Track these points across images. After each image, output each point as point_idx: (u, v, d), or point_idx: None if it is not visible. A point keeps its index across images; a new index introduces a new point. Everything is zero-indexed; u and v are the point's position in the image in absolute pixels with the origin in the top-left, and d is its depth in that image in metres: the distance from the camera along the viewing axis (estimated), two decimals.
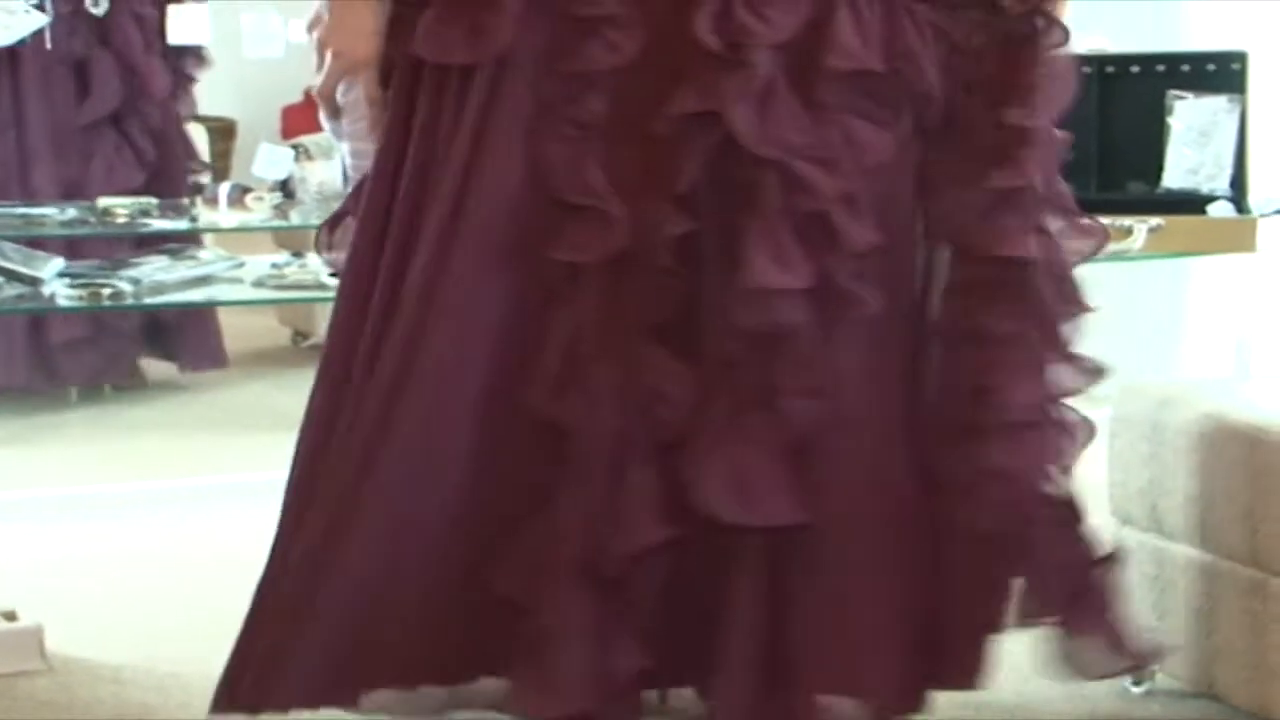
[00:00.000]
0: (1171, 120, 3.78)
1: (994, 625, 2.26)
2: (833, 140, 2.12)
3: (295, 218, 3.81)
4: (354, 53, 2.14)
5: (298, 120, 5.49)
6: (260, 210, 3.76)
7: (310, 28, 2.18)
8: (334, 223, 2.22)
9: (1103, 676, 2.39)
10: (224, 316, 4.82)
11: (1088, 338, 2.40)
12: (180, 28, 3.82)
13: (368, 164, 2.16)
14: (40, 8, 3.63)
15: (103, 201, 3.90)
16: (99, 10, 3.79)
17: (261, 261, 3.73)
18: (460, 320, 2.09)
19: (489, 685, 2.18)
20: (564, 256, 2.10)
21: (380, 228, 2.13)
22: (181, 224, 3.89)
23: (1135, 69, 3.82)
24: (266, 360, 5.21)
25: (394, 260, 2.11)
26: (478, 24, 2.07)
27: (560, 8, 2.09)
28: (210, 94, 4.87)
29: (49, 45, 3.95)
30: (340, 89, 2.16)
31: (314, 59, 2.20)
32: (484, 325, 2.10)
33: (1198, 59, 3.80)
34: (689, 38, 2.10)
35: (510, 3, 2.08)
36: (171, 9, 3.94)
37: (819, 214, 2.11)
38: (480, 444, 2.10)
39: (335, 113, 2.20)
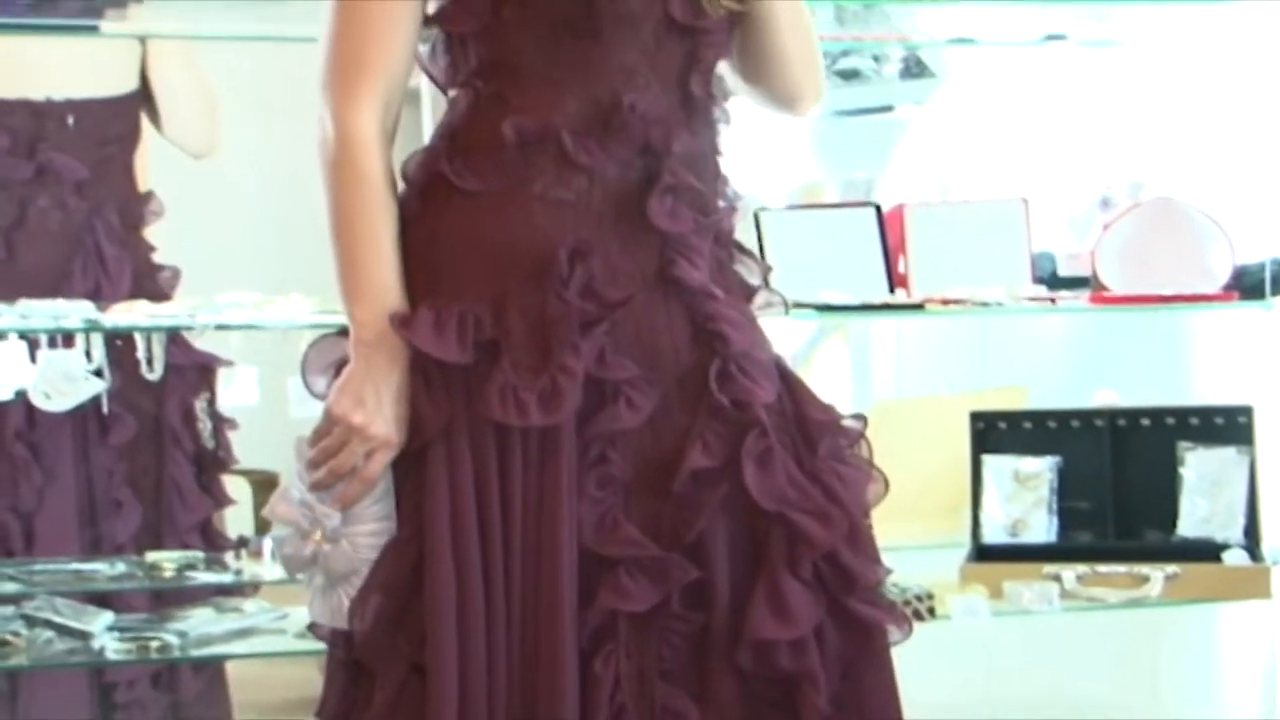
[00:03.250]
0: (1183, 471, 3.90)
1: None
2: (829, 489, 2.25)
3: None
4: (389, 436, 2.19)
5: None
6: None
7: (338, 406, 2.20)
8: (365, 598, 2.22)
9: None
10: (267, 667, 4.88)
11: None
12: (231, 391, 3.97)
13: (370, 539, 2.22)
14: (99, 374, 3.79)
15: (151, 556, 4.02)
16: (153, 375, 3.95)
17: (304, 613, 3.82)
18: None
19: None
20: (618, 606, 2.17)
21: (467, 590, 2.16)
22: (226, 577, 3.99)
23: (1146, 422, 3.96)
24: (309, 709, 5.26)
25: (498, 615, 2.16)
26: (555, 387, 2.17)
27: (588, 371, 2.20)
28: (253, 449, 5.01)
29: (105, 410, 4.10)
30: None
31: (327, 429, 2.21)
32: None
33: (1206, 413, 3.94)
34: (696, 396, 2.23)
35: (579, 366, 2.18)
36: (222, 372, 4.09)
37: (826, 556, 2.23)
38: None
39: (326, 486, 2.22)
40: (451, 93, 2.29)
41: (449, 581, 2.16)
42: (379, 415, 2.19)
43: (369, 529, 2.23)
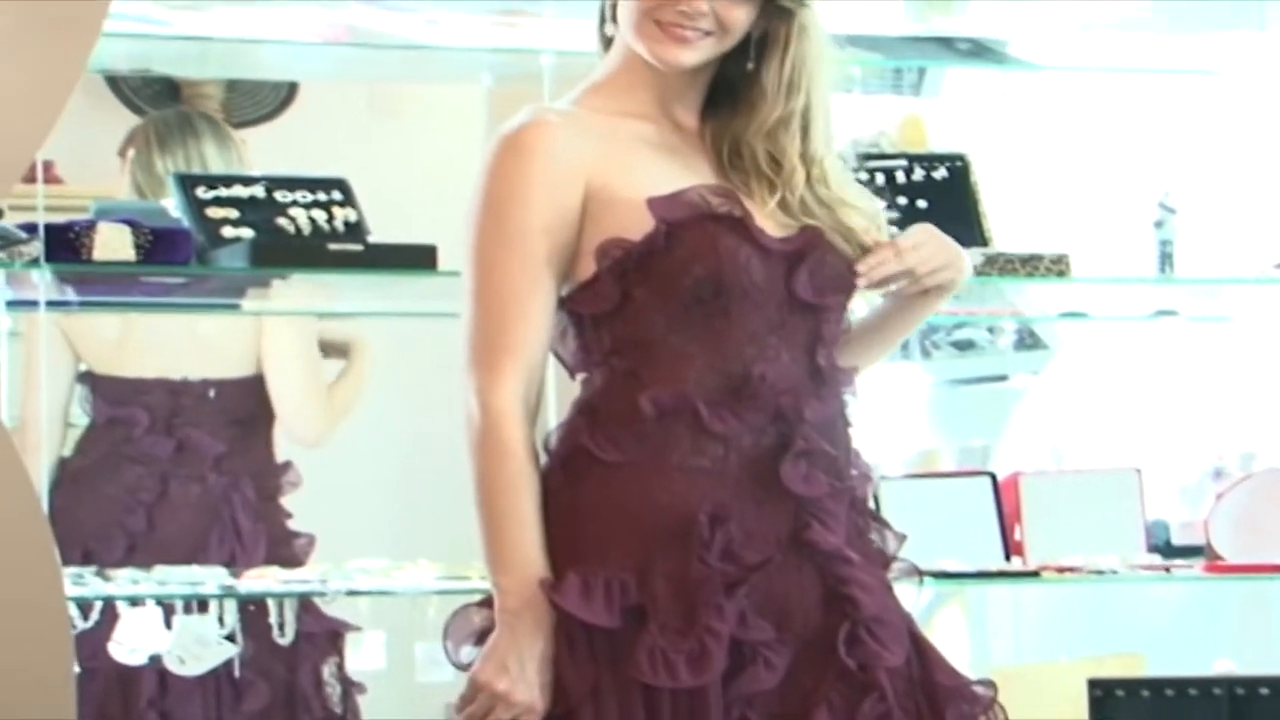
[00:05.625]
0: None
1: None
2: None
3: None
4: (533, 702, 2.27)
5: None
6: None
7: (482, 674, 2.28)
8: None
9: None
10: None
11: None
12: (359, 656, 4.04)
13: None
14: (231, 638, 3.87)
15: None
16: (285, 640, 4.03)
17: None
18: None
19: None
20: None
21: None
22: None
23: (1265, 691, 3.93)
24: None
25: None
26: (702, 648, 2.25)
27: (730, 632, 2.26)
28: (380, 713, 5.05)
29: (237, 675, 4.17)
30: None
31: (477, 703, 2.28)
32: None
33: None
34: (824, 658, 2.30)
35: (724, 628, 2.26)
36: (350, 637, 4.10)
37: None
38: None
39: None
40: (582, 374, 2.39)
41: None
42: (522, 682, 2.26)
43: None
